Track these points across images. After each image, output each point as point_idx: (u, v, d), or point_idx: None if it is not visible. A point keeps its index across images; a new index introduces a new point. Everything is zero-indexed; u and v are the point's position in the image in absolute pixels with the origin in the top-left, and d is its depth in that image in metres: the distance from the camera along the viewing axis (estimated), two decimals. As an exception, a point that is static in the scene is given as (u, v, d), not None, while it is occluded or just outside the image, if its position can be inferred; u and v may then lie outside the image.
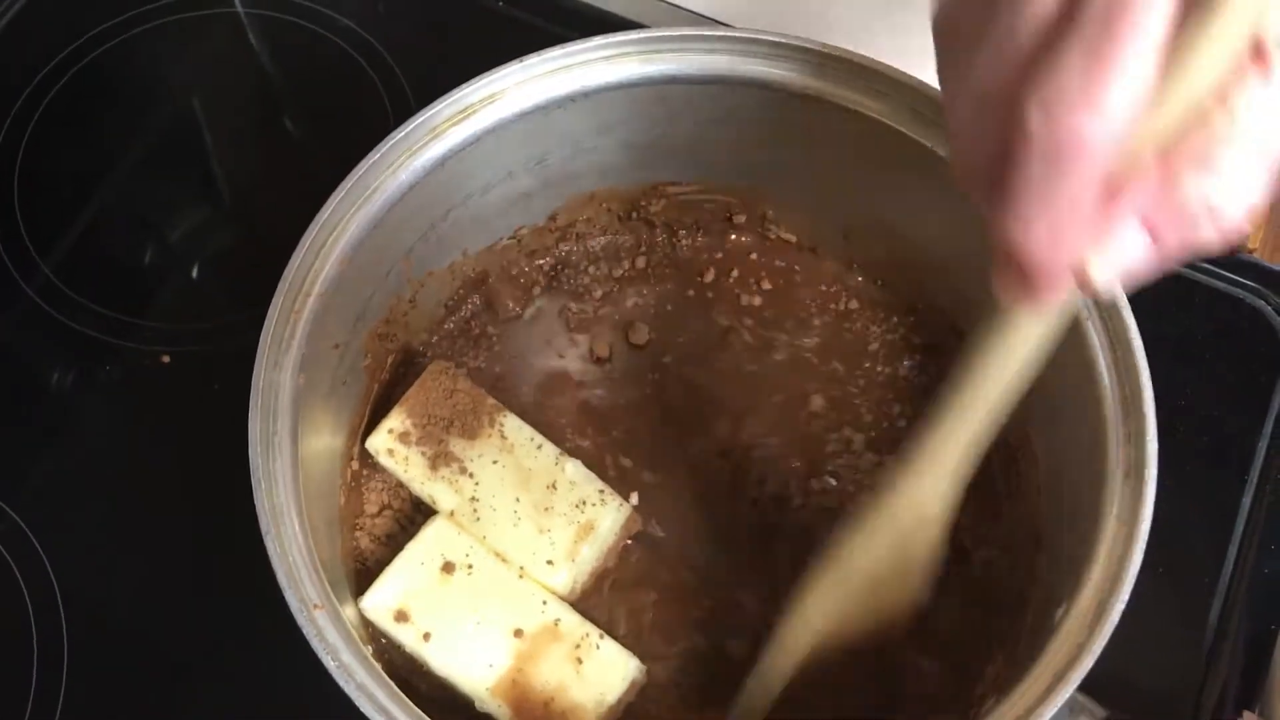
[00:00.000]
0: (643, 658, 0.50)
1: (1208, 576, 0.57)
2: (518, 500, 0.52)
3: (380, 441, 0.52)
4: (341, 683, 0.39)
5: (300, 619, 0.40)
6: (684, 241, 0.61)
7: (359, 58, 0.71)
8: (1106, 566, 0.43)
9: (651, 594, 0.53)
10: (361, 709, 0.39)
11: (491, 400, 0.54)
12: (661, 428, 0.56)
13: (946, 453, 0.39)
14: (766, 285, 0.60)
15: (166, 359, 0.62)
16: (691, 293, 0.60)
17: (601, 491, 0.52)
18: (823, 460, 0.56)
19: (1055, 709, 0.39)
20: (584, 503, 0.52)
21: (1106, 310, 0.46)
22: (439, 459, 0.52)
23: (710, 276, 0.60)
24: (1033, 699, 0.40)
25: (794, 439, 0.56)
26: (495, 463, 0.52)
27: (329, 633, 0.41)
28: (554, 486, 0.52)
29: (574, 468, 0.53)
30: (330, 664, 0.40)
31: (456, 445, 0.53)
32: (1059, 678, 0.40)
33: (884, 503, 0.42)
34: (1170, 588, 0.57)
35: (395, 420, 0.53)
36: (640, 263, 0.61)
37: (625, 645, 0.50)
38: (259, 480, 0.42)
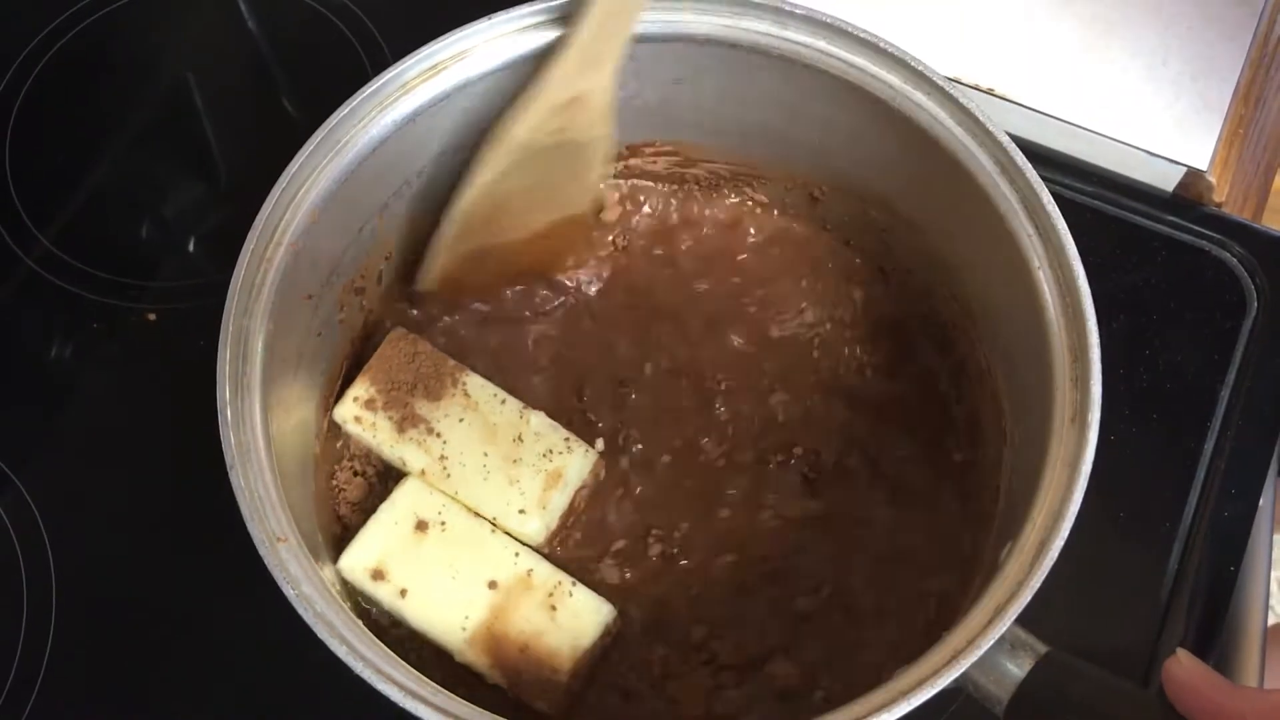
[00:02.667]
0: (614, 599, 0.52)
1: (1169, 521, 0.58)
2: (486, 454, 0.53)
3: (346, 410, 0.54)
4: (301, 611, 0.41)
5: (263, 550, 0.42)
6: (658, 202, 0.62)
7: (350, 34, 0.71)
8: (1050, 506, 0.43)
9: (620, 537, 0.54)
10: (320, 637, 0.41)
11: (452, 361, 0.55)
12: (628, 381, 0.58)
13: (604, 48, 0.49)
14: (738, 248, 0.61)
15: (152, 317, 0.64)
16: (662, 253, 0.61)
17: (567, 439, 0.54)
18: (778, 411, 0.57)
19: (992, 640, 0.40)
20: (551, 452, 0.54)
21: (1057, 258, 0.47)
22: (406, 421, 0.54)
23: (683, 238, 0.62)
24: (972, 631, 0.41)
25: (757, 398, 0.58)
26: (461, 420, 0.54)
27: (291, 565, 0.42)
28: (520, 439, 0.54)
29: (538, 419, 0.54)
30: (290, 593, 0.41)
31: (422, 407, 0.54)
32: (998, 612, 0.41)
33: (541, 90, 0.49)
34: (1132, 533, 0.58)
35: (359, 389, 0.54)
36: (614, 222, 0.62)
37: (596, 588, 0.52)
38: (226, 417, 0.44)
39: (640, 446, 0.56)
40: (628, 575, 0.54)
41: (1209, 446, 0.60)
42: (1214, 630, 0.56)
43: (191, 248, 0.67)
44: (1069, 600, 0.56)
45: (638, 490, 0.55)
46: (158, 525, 0.58)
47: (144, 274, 0.65)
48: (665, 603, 0.53)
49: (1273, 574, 0.63)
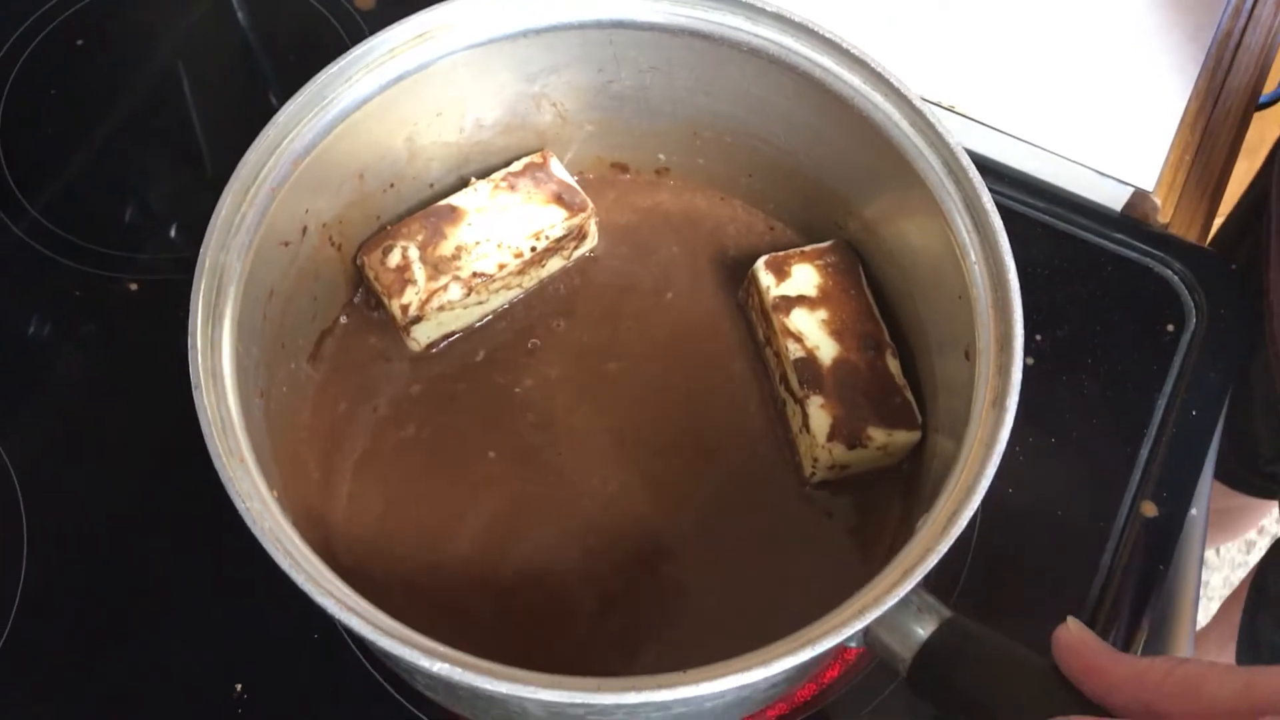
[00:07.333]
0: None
1: (1104, 520, 0.61)
2: None
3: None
4: (250, 523, 0.43)
5: (219, 464, 0.44)
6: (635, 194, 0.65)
7: (339, 27, 0.74)
8: (964, 482, 0.46)
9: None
10: (267, 549, 0.43)
11: None
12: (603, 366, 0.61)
13: None
14: (687, 229, 0.64)
15: (134, 287, 0.66)
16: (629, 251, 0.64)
17: None
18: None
19: (898, 598, 0.43)
20: None
21: (992, 253, 0.50)
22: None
23: (648, 228, 0.64)
24: (881, 590, 0.44)
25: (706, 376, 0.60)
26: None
27: (244, 483, 0.44)
28: None
29: None
30: (241, 506, 0.43)
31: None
32: (906, 574, 0.44)
33: None
34: (1068, 531, 0.61)
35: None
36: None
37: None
38: (195, 342, 0.46)
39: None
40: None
41: (1145, 451, 0.63)
42: (1138, 624, 0.59)
43: (173, 233, 0.69)
44: (1006, 592, 0.59)
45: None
46: (133, 487, 0.60)
47: (127, 248, 0.67)
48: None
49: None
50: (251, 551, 0.43)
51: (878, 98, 0.54)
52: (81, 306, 0.66)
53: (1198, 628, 1.05)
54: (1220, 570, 1.53)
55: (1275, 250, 0.64)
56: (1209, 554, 1.53)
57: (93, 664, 0.57)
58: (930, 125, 0.52)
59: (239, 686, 0.55)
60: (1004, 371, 0.48)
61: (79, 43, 0.74)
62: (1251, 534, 1.51)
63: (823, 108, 0.56)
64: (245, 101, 0.74)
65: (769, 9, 0.55)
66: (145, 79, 0.74)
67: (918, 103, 0.53)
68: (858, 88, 0.54)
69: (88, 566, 0.59)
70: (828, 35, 0.54)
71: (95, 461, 0.62)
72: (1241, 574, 1.48)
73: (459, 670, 0.41)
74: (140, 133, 0.72)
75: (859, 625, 0.43)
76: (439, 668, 0.41)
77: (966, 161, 0.52)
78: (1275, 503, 1.07)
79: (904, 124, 0.53)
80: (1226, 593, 1.41)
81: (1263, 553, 0.93)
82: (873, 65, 0.54)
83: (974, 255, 0.51)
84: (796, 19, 0.55)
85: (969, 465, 0.46)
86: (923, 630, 0.44)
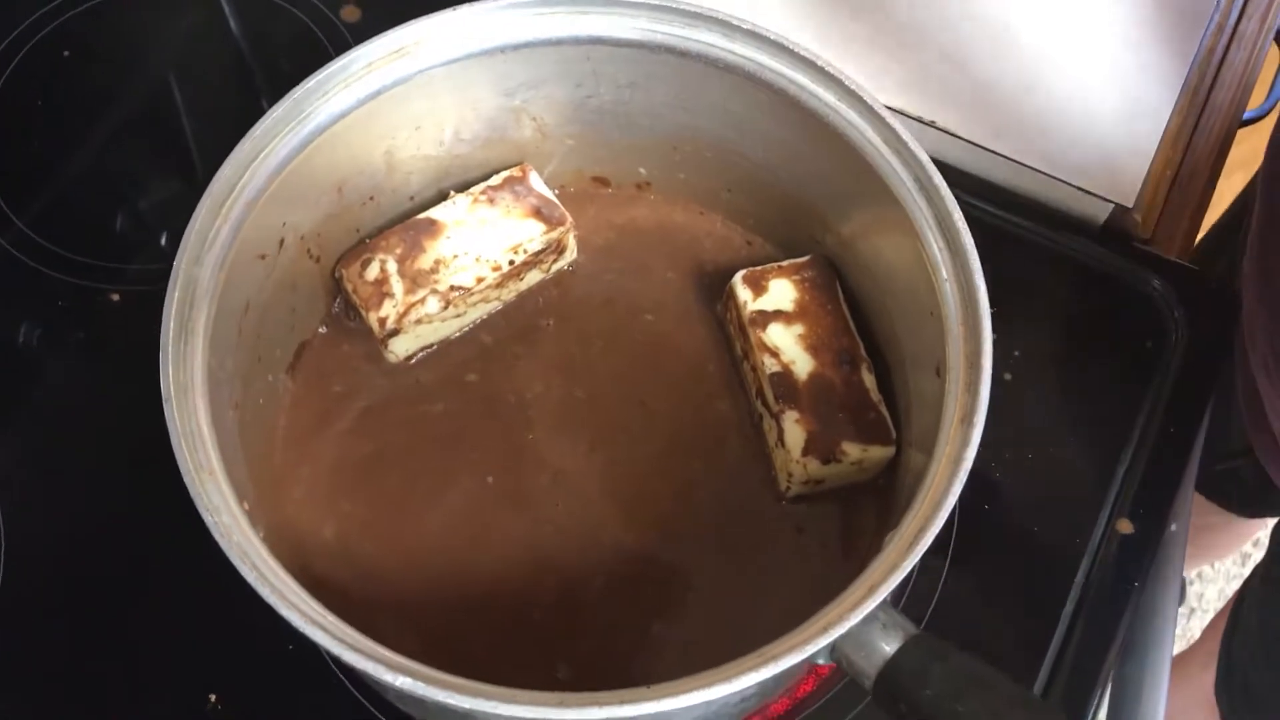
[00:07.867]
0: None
1: (1080, 538, 0.61)
2: None
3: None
4: (217, 536, 0.43)
5: (188, 478, 0.44)
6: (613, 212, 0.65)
7: (327, 43, 0.74)
8: (932, 498, 0.46)
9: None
10: (234, 562, 0.43)
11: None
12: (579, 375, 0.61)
13: None
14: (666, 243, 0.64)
15: (116, 297, 0.66)
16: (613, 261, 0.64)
17: None
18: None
19: (862, 615, 0.43)
20: None
21: (962, 272, 0.50)
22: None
23: (630, 243, 0.65)
24: (846, 607, 0.44)
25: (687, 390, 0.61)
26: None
27: (214, 496, 0.45)
28: None
29: None
30: (209, 520, 0.44)
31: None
32: (871, 590, 0.44)
33: None
34: (1044, 548, 0.61)
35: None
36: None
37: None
38: (167, 354, 0.46)
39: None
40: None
41: (1122, 469, 0.62)
42: (1112, 641, 0.59)
43: (164, 242, 0.69)
44: (981, 608, 0.59)
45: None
46: (112, 497, 0.61)
47: (115, 260, 0.67)
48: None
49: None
50: (228, 562, 0.43)
51: (852, 114, 0.54)
52: (66, 318, 0.66)
53: (1189, 644, 1.05)
54: (1215, 583, 1.53)
55: (1254, 238, 0.63)
56: (1205, 567, 1.52)
57: (69, 674, 0.57)
58: (903, 143, 0.53)
59: (213, 697, 0.56)
60: (972, 389, 0.48)
61: (65, 54, 0.74)
62: (1247, 547, 1.51)
63: (798, 123, 0.56)
64: (239, 112, 0.73)
65: (744, 26, 0.55)
66: (133, 91, 0.74)
67: (890, 119, 0.53)
68: (832, 104, 0.55)
69: (66, 575, 0.59)
70: (802, 52, 0.55)
71: (75, 473, 0.62)
72: (1236, 586, 1.47)
73: (421, 685, 0.41)
74: (131, 144, 0.72)
75: (823, 642, 0.43)
76: (401, 681, 0.41)
77: (939, 179, 0.52)
78: (1266, 518, 1.07)
79: (877, 140, 0.54)
80: (1221, 604, 1.41)
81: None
82: (846, 82, 0.54)
83: (945, 273, 0.51)
84: (771, 36, 0.55)
85: (937, 482, 0.47)
86: (888, 647, 0.45)
